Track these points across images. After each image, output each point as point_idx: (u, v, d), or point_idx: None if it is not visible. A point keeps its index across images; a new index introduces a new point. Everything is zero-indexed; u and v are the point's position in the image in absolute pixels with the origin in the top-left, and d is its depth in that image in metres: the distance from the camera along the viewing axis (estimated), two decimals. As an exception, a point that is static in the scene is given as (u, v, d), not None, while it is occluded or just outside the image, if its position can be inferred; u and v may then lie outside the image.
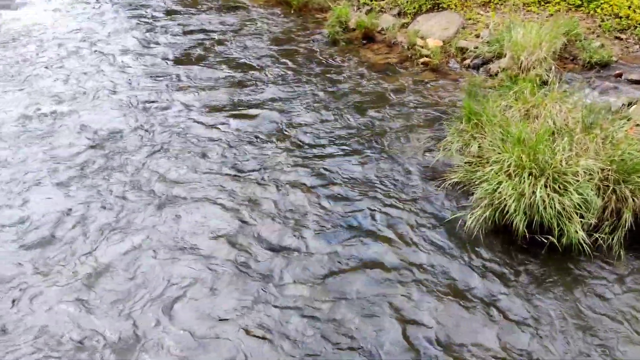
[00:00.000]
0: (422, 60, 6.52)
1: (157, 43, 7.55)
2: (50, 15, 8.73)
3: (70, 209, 4.20)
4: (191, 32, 7.89)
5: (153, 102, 5.91)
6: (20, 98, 6.00)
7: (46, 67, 6.80)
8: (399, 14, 7.57)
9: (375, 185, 4.45)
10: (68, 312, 3.30)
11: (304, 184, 4.47)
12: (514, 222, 3.58)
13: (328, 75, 6.46)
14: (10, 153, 4.97)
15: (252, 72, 6.58)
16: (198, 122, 5.47)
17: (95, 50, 7.30)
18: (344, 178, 4.53)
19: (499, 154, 3.97)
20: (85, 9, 9.04)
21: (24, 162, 4.83)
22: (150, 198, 4.33)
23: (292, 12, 8.55)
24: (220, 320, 3.24)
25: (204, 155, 4.89)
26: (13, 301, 3.38)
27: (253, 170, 4.67)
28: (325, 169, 4.67)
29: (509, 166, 3.82)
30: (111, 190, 4.42)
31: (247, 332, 3.14)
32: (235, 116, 5.57)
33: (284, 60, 6.91)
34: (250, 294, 3.40)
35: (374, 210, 4.15)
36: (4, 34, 7.94)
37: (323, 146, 5.03)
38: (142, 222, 4.05)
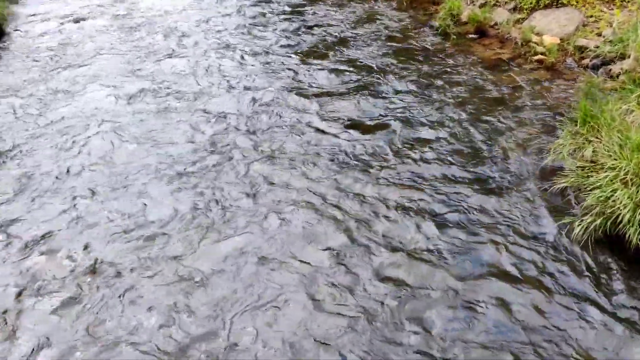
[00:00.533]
0: (536, 57, 6.31)
1: (277, 39, 7.63)
2: (174, 4, 9.24)
3: (175, 209, 4.24)
4: (310, 27, 7.93)
5: (269, 103, 5.86)
6: (140, 90, 6.30)
7: (169, 57, 7.19)
8: (514, 9, 7.34)
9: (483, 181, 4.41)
10: (166, 313, 3.34)
11: (421, 208, 4.17)
12: (627, 234, 3.45)
13: (441, 74, 6.32)
14: (123, 148, 5.18)
15: (368, 71, 6.47)
16: (313, 127, 5.33)
17: (216, 45, 7.50)
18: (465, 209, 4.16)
19: (616, 160, 3.82)
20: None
21: (135, 157, 4.97)
22: (256, 201, 4.30)
23: (404, 4, 8.56)
24: (320, 342, 3.12)
25: (315, 163, 4.73)
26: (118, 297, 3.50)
27: (367, 184, 4.45)
28: (445, 195, 4.31)
29: (626, 174, 3.66)
30: (219, 191, 4.43)
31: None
32: (352, 124, 5.34)
33: (397, 57, 6.83)
34: (353, 319, 3.24)
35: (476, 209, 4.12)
36: (128, 20, 8.57)
37: (442, 162, 4.70)
38: (247, 227, 4.02)
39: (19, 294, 3.55)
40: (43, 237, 4.05)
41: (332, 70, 6.55)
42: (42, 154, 5.10)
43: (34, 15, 8.97)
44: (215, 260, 3.75)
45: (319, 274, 3.60)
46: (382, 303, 3.35)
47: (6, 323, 3.34)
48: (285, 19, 8.35)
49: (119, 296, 3.51)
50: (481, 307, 3.29)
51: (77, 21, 8.63)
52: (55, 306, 3.45)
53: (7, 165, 4.96)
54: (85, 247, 3.94)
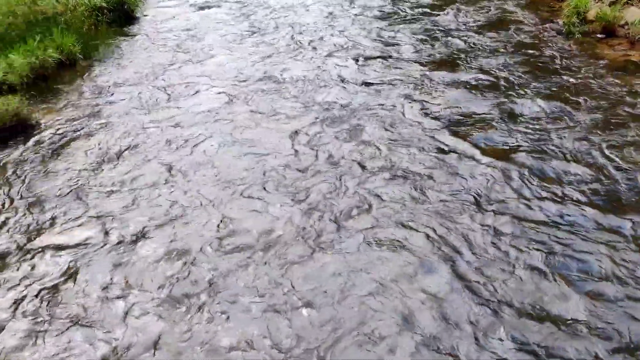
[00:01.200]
0: (672, 62, 6.03)
1: (402, 43, 7.41)
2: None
3: (275, 217, 4.24)
4: (438, 29, 7.79)
5: (390, 116, 5.65)
6: (256, 89, 6.44)
7: (290, 53, 7.36)
8: (650, 8, 7.02)
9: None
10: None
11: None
12: None
13: (571, 85, 6.08)
14: (232, 148, 5.34)
15: (497, 85, 6.19)
16: (434, 139, 5.15)
17: (339, 45, 7.51)
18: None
19: None
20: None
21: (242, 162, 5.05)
22: (365, 218, 4.22)
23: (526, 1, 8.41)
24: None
25: (432, 188, 4.50)
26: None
27: (482, 211, 4.19)
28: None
29: None
30: (329, 206, 4.37)
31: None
32: (482, 149, 5.01)
33: (525, 65, 6.60)
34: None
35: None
36: (252, 10, 8.91)
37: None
38: (355, 249, 3.92)
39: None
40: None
41: (459, 84, 6.24)
42: (155, 147, 5.48)
43: (163, 1, 9.51)
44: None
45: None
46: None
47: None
48: (412, 20, 8.18)
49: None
50: None
51: (202, 9, 9.06)
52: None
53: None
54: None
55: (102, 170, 5.03)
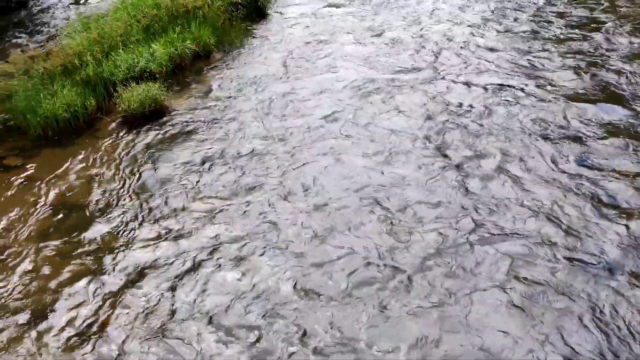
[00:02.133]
0: None
1: (544, 63, 6.78)
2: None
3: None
4: (583, 52, 7.38)
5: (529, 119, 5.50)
6: (375, 88, 6.47)
7: (416, 57, 7.29)
8: None
9: None
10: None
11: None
12: None
13: None
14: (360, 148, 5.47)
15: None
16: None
17: (464, 41, 7.37)
18: None
19: None
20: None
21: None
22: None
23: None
24: None
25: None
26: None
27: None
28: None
29: None
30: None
31: None
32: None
33: None
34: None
35: None
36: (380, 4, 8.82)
37: None
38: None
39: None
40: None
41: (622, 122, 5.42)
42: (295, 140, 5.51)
43: (294, -2, 9.71)
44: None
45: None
46: None
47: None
48: (561, 40, 7.38)
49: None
50: None
51: (332, 6, 9.12)
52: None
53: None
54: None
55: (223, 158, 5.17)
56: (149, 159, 5.31)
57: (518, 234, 4.08)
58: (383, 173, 4.85)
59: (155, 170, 5.10)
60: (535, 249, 3.95)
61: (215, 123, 5.84)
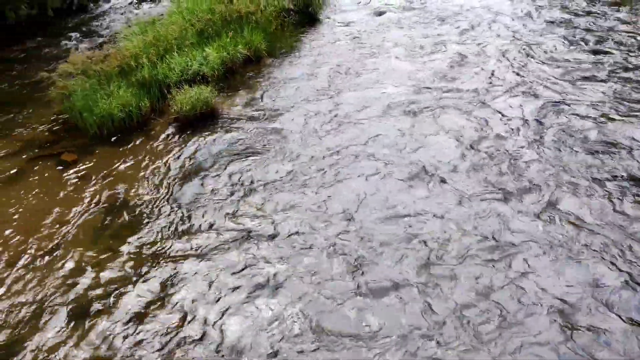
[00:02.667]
0: None
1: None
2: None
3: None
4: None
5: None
6: (420, 105, 6.49)
7: (465, 71, 7.16)
8: None
9: None
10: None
11: None
12: None
13: None
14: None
15: None
16: None
17: (522, 60, 7.15)
18: None
19: None
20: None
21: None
22: None
23: None
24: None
25: None
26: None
27: None
28: None
29: None
30: None
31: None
32: None
33: None
34: None
35: None
36: (430, 15, 8.72)
37: None
38: None
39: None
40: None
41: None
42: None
43: (347, 4, 9.71)
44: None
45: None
46: None
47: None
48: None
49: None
50: None
51: (381, 14, 9.10)
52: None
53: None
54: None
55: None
56: (196, 164, 5.39)
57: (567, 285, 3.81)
58: (424, 204, 4.60)
59: (200, 177, 5.16)
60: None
61: (261, 132, 5.85)
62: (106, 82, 6.35)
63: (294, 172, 5.14)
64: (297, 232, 4.37)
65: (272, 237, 4.35)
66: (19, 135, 6.10)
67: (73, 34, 9.44)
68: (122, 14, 10.44)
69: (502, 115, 5.78)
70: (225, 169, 5.25)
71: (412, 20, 8.65)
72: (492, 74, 6.66)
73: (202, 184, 5.05)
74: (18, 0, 9.81)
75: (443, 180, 4.85)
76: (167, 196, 4.94)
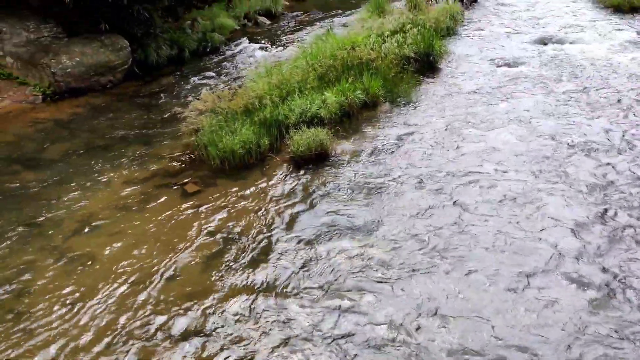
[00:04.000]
0: None
1: None
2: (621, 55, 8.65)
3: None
4: None
5: None
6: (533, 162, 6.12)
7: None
8: None
9: None
10: None
11: None
12: None
13: None
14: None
15: None
16: None
17: None
18: None
19: None
20: None
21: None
22: None
23: None
24: None
25: None
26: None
27: None
28: None
29: None
30: None
31: None
32: None
33: None
34: None
35: None
36: (559, 73, 8.39)
37: None
38: None
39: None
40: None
41: None
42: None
43: (468, 55, 9.65)
44: None
45: None
46: None
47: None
48: None
49: None
50: None
51: (507, 66, 8.92)
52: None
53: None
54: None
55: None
56: (307, 205, 5.51)
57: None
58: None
59: (309, 219, 5.26)
60: None
61: (370, 182, 5.81)
62: (231, 120, 6.77)
63: (395, 238, 4.84)
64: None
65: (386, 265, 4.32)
66: (150, 163, 6.63)
67: (206, 74, 10.20)
68: (250, 57, 11.13)
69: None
70: (327, 213, 5.31)
71: (546, 79, 8.22)
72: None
73: (306, 227, 5.14)
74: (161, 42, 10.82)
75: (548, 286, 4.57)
76: (274, 235, 5.08)
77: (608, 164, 5.69)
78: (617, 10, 11.55)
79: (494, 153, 6.11)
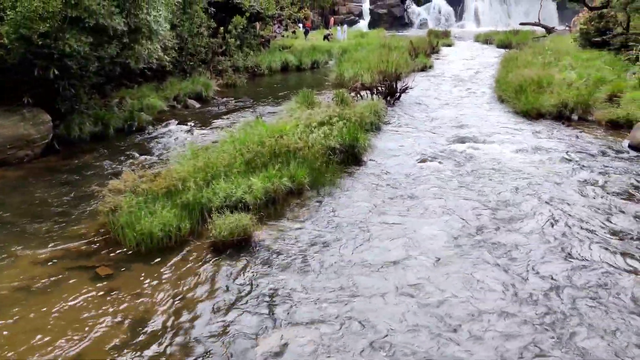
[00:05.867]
0: None
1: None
2: (529, 160, 9.29)
3: None
4: None
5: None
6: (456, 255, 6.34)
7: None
8: None
9: None
10: None
11: None
12: None
13: None
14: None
15: None
16: None
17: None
18: None
19: None
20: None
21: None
22: None
23: None
24: None
25: None
26: None
27: None
28: None
29: None
30: None
31: None
32: None
33: None
34: None
35: None
36: (473, 173, 8.86)
37: None
38: None
39: None
40: None
41: None
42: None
43: (390, 149, 10.07)
44: None
45: None
46: None
47: None
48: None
49: None
50: None
51: (424, 161, 9.36)
52: None
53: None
54: None
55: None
56: (226, 291, 5.34)
57: None
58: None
59: (226, 308, 5.08)
60: None
61: (291, 269, 5.74)
62: (152, 201, 6.58)
63: (311, 323, 4.78)
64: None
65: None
66: (62, 243, 6.27)
67: (129, 153, 10.01)
68: (176, 138, 11.10)
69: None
70: (247, 301, 5.16)
71: (459, 176, 8.64)
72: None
73: (224, 312, 4.96)
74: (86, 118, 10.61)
75: None
76: (186, 321, 4.85)
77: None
78: (525, 115, 12.56)
79: (404, 243, 6.21)
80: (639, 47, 15.52)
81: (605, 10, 20.24)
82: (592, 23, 20.50)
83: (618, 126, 11.17)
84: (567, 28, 32.37)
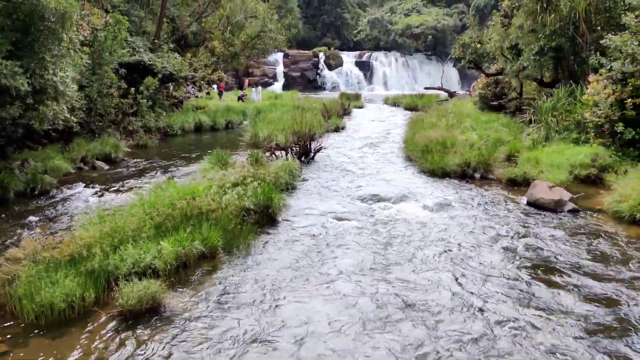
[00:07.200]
0: None
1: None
2: (439, 221, 9.72)
3: None
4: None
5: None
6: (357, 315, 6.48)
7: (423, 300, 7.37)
8: None
9: None
10: None
11: None
12: None
13: None
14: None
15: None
16: None
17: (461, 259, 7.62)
18: None
19: None
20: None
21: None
22: None
23: None
24: None
25: None
26: None
27: None
28: None
29: None
30: None
31: None
32: None
33: None
34: None
35: None
36: (384, 233, 9.09)
37: None
38: None
39: None
40: None
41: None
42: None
43: (305, 208, 10.17)
44: None
45: None
46: None
47: None
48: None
49: None
50: None
51: (339, 220, 9.52)
52: None
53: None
54: None
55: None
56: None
57: None
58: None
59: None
60: None
61: (201, 339, 5.55)
62: (54, 270, 6.22)
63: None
64: None
65: None
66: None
67: (30, 218, 9.47)
68: (83, 201, 10.65)
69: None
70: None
71: (372, 234, 8.82)
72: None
73: None
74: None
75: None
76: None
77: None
78: (433, 174, 13.16)
79: (314, 307, 6.20)
80: (531, 111, 16.89)
81: (500, 77, 22.02)
82: (489, 88, 22.23)
83: (517, 184, 11.95)
84: (467, 92, 34.72)
